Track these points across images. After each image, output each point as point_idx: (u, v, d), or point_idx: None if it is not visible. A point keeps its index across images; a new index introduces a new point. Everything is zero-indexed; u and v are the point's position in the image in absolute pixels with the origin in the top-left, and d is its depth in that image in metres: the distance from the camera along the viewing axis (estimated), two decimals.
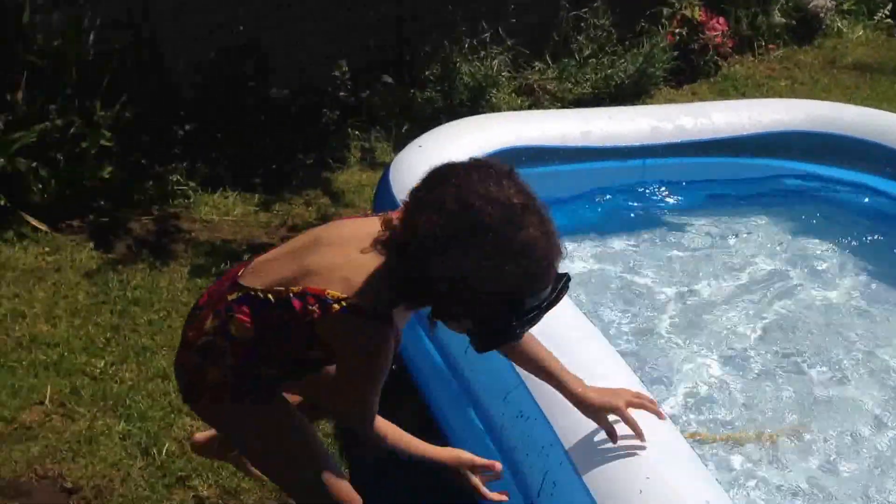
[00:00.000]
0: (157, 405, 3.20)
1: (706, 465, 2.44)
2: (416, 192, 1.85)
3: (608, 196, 4.44)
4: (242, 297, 2.00)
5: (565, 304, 2.94)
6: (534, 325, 1.92)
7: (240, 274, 2.06)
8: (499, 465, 2.20)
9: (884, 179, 4.39)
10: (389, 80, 5.60)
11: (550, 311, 1.92)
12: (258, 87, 5.24)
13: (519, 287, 1.82)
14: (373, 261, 1.90)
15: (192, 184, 4.68)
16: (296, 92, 5.33)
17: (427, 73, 5.72)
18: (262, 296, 1.97)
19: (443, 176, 1.83)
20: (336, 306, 1.88)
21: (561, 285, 1.88)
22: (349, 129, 5.34)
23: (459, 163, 1.85)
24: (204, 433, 2.65)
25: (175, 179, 4.67)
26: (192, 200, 4.61)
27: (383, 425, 2.09)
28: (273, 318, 1.97)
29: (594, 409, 2.20)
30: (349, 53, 5.46)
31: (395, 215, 1.90)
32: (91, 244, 4.12)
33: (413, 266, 1.82)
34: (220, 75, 5.15)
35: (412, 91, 5.62)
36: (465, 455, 2.18)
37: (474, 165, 1.84)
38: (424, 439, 2.20)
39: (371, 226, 1.94)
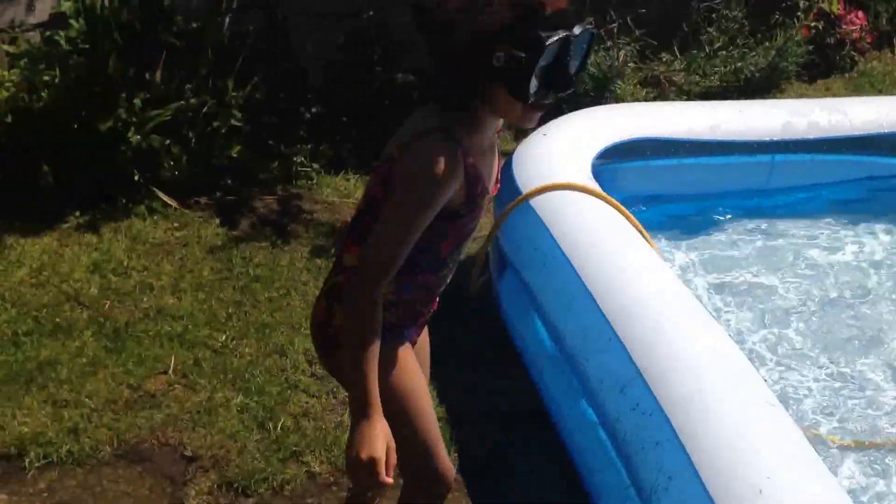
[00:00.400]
0: (275, 381, 3.28)
1: (831, 470, 2.35)
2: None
3: (736, 192, 4.32)
4: (345, 235, 2.09)
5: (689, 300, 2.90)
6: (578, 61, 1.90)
7: None
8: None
9: None
10: None
11: None
12: (385, 72, 5.29)
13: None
14: (421, 112, 1.97)
15: (315, 165, 4.76)
16: (422, 77, 5.36)
17: None
18: (356, 216, 2.05)
19: None
20: (396, 153, 1.92)
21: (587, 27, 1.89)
22: None
23: None
24: None
25: (300, 161, 4.75)
26: (314, 182, 4.68)
27: (376, 309, 1.90)
28: (365, 225, 1.97)
29: None
30: None
31: None
32: (217, 221, 4.23)
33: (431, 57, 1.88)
34: (348, 59, 5.22)
35: None
36: (385, 445, 1.89)
37: None
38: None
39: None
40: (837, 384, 3.35)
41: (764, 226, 4.23)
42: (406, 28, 5.22)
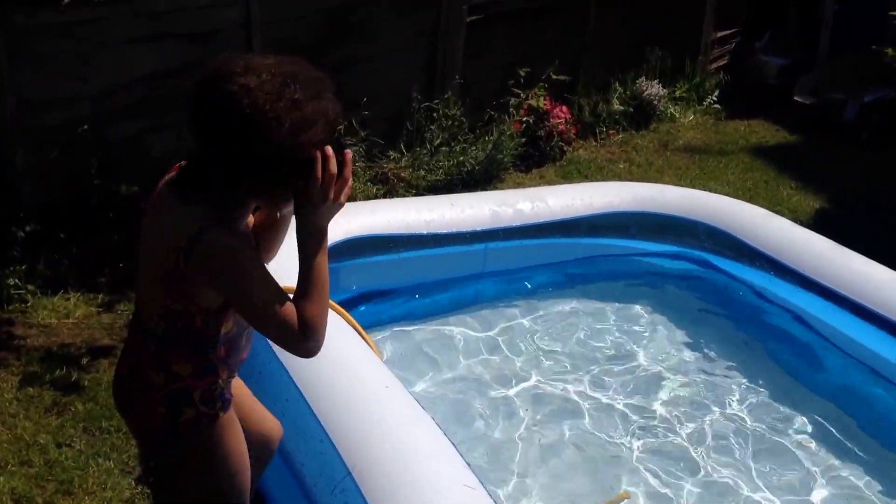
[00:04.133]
0: None
1: None
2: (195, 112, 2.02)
3: (453, 281, 4.52)
4: (158, 342, 2.17)
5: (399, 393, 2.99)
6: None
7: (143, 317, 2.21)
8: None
9: (702, 252, 4.64)
10: None
11: None
12: (105, 184, 5.13)
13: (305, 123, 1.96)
14: (178, 214, 2.04)
15: (30, 287, 4.52)
16: (146, 187, 5.23)
17: None
18: (163, 332, 2.15)
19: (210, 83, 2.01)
20: (181, 265, 2.00)
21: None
22: None
23: None
24: None
25: (12, 283, 4.50)
26: (29, 304, 4.44)
27: (306, 318, 2.06)
28: (186, 338, 2.14)
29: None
30: None
31: None
32: None
33: (227, 161, 1.98)
34: (63, 174, 5.04)
35: None
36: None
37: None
38: None
39: (159, 200, 2.13)
40: (535, 455, 3.54)
41: (482, 312, 4.44)
42: (129, 140, 5.17)
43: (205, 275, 2.02)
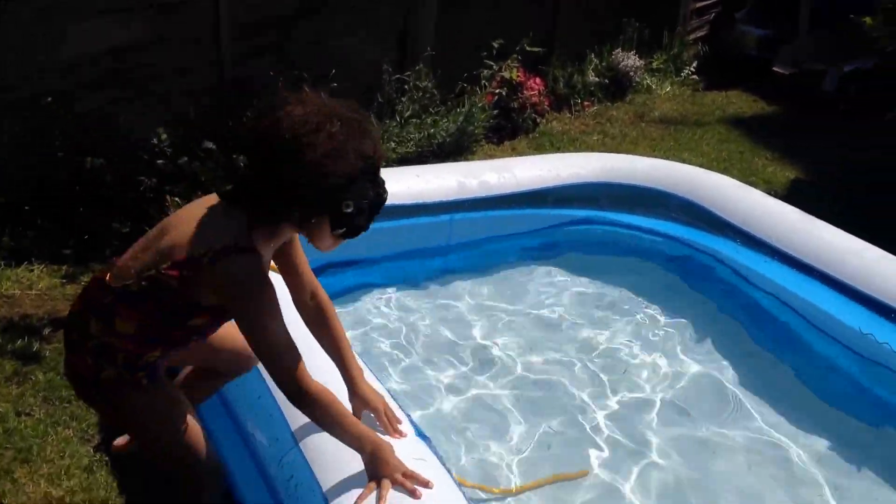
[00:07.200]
0: None
1: None
2: (244, 137, 2.12)
3: (420, 251, 4.50)
4: (118, 294, 2.26)
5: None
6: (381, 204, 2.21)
7: (107, 278, 2.31)
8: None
9: (672, 224, 4.61)
10: (212, 145, 5.51)
11: None
12: (69, 157, 5.07)
13: (356, 164, 2.11)
14: (219, 215, 2.19)
15: None
16: (112, 161, 5.18)
17: None
18: (135, 289, 2.23)
19: (264, 113, 2.15)
20: (204, 261, 2.13)
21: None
22: (168, 196, 5.21)
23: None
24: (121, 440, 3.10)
25: None
26: None
27: (317, 387, 2.21)
28: (151, 305, 2.24)
29: (362, 398, 2.49)
30: (168, 122, 5.36)
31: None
32: None
33: (266, 179, 2.10)
34: (32, 147, 4.98)
35: (234, 155, 5.54)
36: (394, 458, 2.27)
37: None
38: None
39: (208, 200, 2.26)
40: (493, 431, 3.51)
41: (449, 283, 4.42)
42: (92, 112, 5.09)
43: (219, 286, 2.14)
